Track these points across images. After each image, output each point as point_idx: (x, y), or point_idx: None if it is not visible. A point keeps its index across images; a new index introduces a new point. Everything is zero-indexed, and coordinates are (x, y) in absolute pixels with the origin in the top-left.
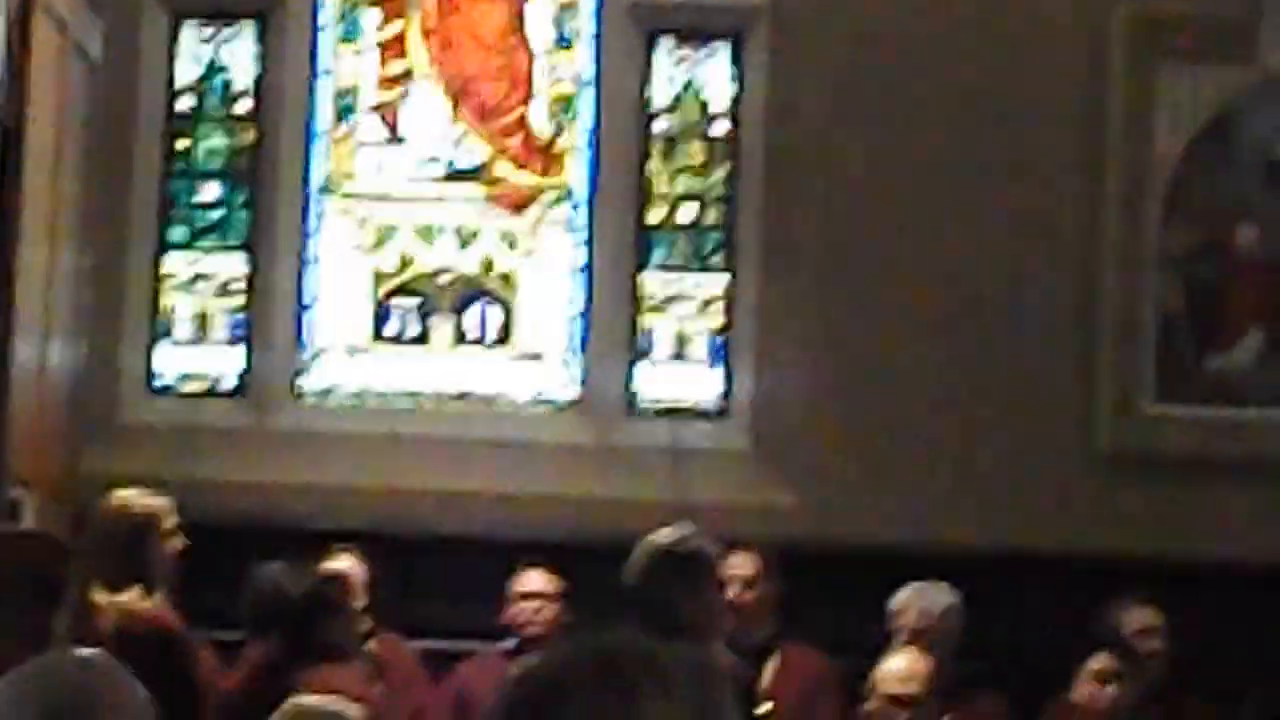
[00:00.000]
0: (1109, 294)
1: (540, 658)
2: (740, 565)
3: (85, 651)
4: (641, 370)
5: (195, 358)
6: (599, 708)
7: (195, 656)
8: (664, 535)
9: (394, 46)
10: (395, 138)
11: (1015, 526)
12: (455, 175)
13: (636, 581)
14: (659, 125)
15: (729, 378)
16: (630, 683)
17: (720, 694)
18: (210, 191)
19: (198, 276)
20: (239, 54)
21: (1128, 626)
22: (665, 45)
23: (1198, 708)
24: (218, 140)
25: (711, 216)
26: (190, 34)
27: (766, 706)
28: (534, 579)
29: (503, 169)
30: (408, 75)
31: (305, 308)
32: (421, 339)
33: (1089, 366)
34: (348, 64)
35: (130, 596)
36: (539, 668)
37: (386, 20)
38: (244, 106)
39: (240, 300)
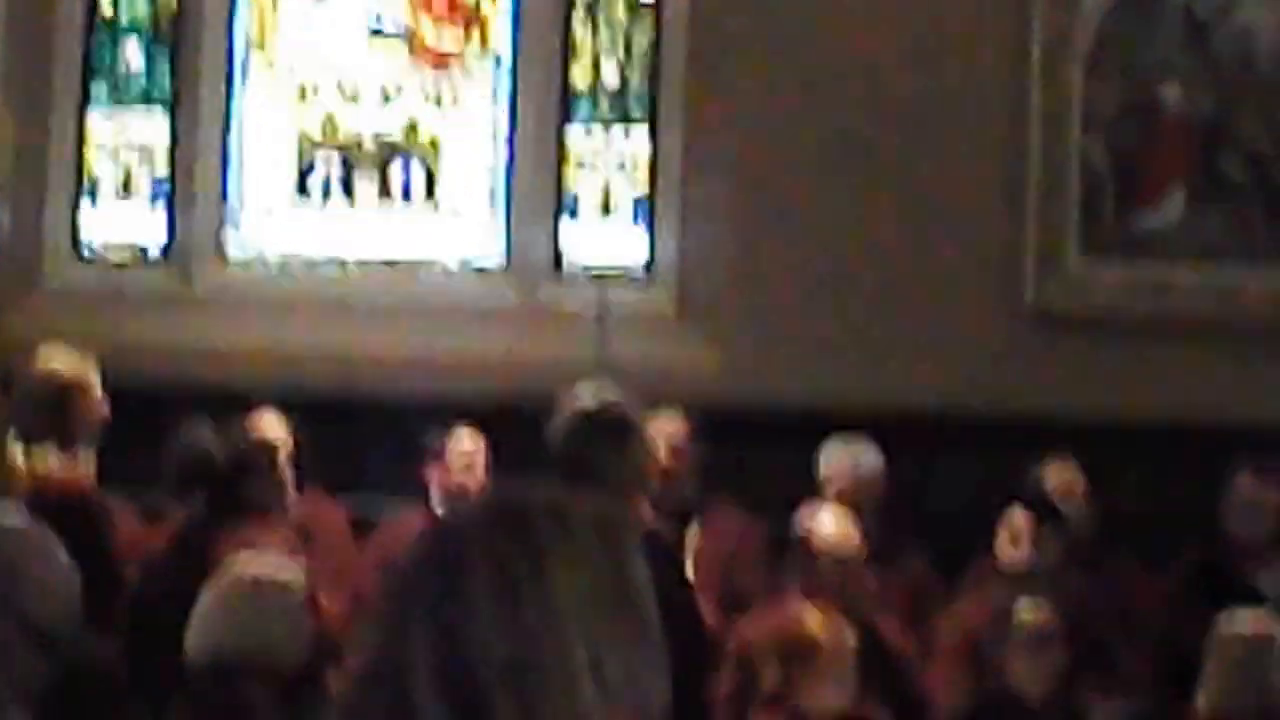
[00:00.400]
0: (1034, 153)
1: (449, 513)
2: (667, 427)
3: (10, 519)
4: (566, 231)
5: (120, 221)
6: (503, 558)
7: (110, 521)
8: (588, 396)
9: None
10: None
11: (940, 385)
12: (379, 34)
13: (561, 443)
14: None
15: (653, 239)
16: (534, 534)
17: (628, 545)
18: (133, 52)
19: (121, 139)
20: None
21: (1050, 484)
22: None
23: (1124, 566)
24: (140, 1)
25: (636, 77)
26: None
27: (693, 566)
28: (464, 442)
29: (427, 28)
30: None
31: (230, 169)
32: (345, 201)
33: (1014, 225)
34: None
35: (50, 460)
36: (446, 522)
37: None
38: None
39: (164, 163)
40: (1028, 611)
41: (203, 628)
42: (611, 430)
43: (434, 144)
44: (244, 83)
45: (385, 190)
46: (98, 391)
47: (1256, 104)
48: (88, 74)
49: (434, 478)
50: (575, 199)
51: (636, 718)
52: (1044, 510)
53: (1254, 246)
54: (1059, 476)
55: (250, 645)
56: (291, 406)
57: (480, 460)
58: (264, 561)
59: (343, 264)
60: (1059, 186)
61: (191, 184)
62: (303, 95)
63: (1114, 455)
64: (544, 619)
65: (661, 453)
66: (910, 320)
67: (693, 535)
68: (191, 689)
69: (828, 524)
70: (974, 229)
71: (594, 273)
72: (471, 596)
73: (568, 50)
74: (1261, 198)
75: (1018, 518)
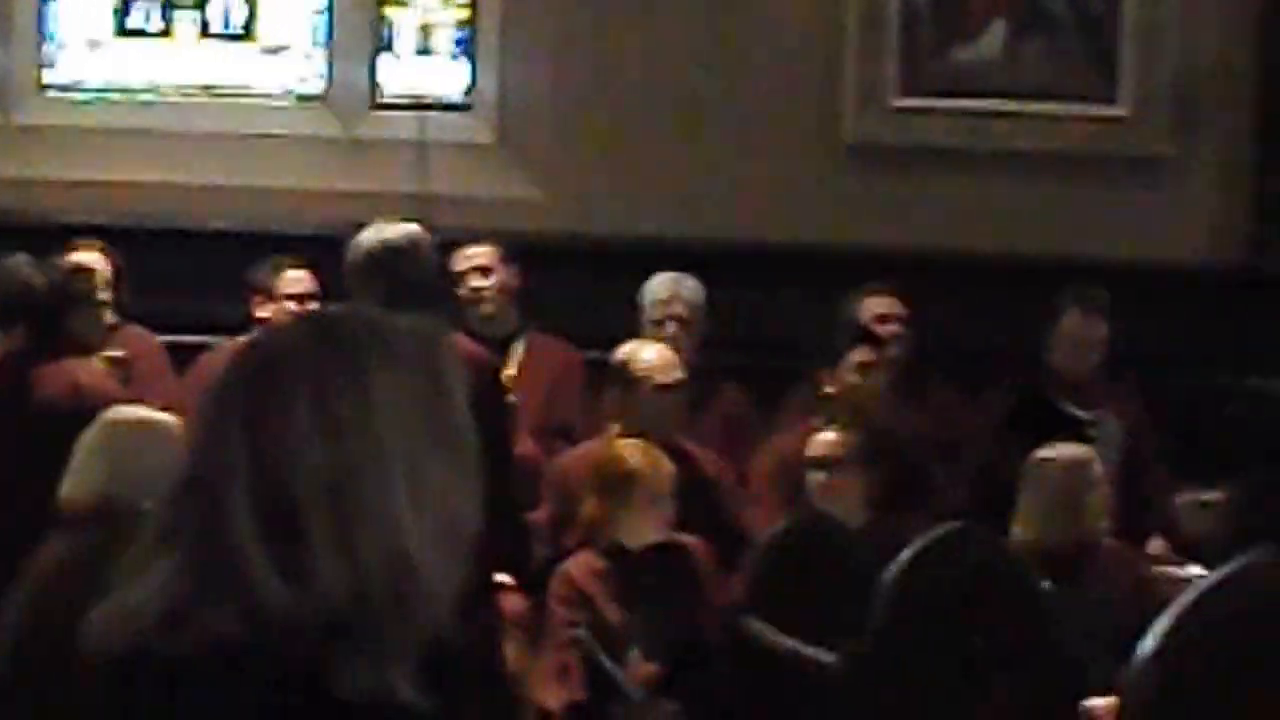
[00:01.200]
0: None
1: (267, 330)
2: (475, 254)
3: None
4: (386, 63)
5: None
6: (322, 372)
7: None
8: (383, 227)
9: None
10: None
11: (759, 219)
12: None
13: (359, 272)
14: None
15: (473, 70)
16: (354, 349)
17: (448, 365)
18: None
19: None
20: None
21: (867, 313)
22: None
23: (944, 396)
24: None
25: None
26: None
27: (513, 396)
28: (293, 276)
29: None
30: None
31: (47, 1)
32: (165, 32)
33: (833, 59)
34: None
35: None
36: (264, 338)
37: None
38: None
39: None
40: (824, 437)
41: (87, 470)
42: (407, 260)
43: None
44: None
45: (204, 22)
46: None
47: None
48: None
49: (260, 312)
50: (395, 31)
51: (449, 540)
52: (862, 339)
53: (1073, 79)
54: (877, 306)
55: (139, 485)
56: (112, 237)
57: (310, 295)
58: (137, 408)
59: (162, 94)
60: (879, 21)
61: (9, 15)
62: None
63: (933, 287)
64: (362, 435)
65: (474, 279)
66: (731, 154)
67: (514, 364)
68: (72, 532)
69: (648, 354)
70: (794, 64)
71: (414, 103)
72: (289, 410)
73: None
74: (1081, 30)
75: (860, 351)
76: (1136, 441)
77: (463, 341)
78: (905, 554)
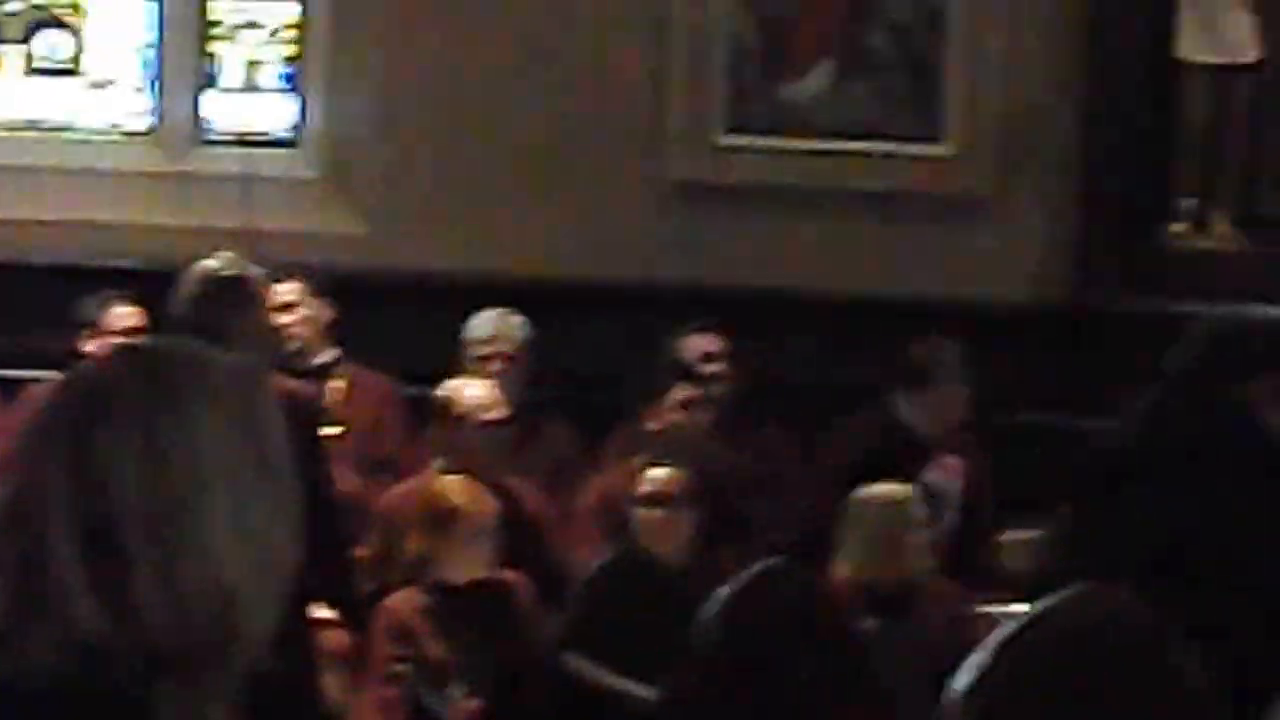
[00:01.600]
0: (679, 24)
1: (87, 363)
2: (280, 290)
3: None
4: (213, 98)
5: None
6: (143, 407)
7: None
8: (209, 262)
9: None
10: None
11: (585, 256)
12: None
13: (185, 307)
14: None
15: (301, 106)
16: (175, 381)
17: (265, 399)
18: None
19: None
20: None
21: (690, 351)
22: None
23: (770, 436)
24: None
25: None
26: None
27: (334, 430)
28: (121, 312)
29: None
30: None
31: None
32: None
33: (659, 96)
34: None
35: None
36: (81, 374)
37: None
38: None
39: None
40: (653, 474)
41: None
42: (233, 293)
43: (79, 10)
44: None
45: (31, 57)
46: None
47: None
48: None
49: (88, 347)
50: (222, 66)
51: (269, 574)
52: (683, 377)
53: (899, 119)
54: (700, 345)
55: None
56: None
57: (137, 330)
58: None
59: None
60: (705, 58)
61: None
62: None
63: (758, 326)
64: (184, 468)
65: (279, 315)
66: (556, 191)
67: (333, 397)
68: None
69: (471, 391)
70: (620, 100)
71: (240, 138)
72: (111, 442)
73: None
74: (906, 71)
75: (680, 388)
76: (974, 495)
77: (280, 378)
78: (724, 590)
